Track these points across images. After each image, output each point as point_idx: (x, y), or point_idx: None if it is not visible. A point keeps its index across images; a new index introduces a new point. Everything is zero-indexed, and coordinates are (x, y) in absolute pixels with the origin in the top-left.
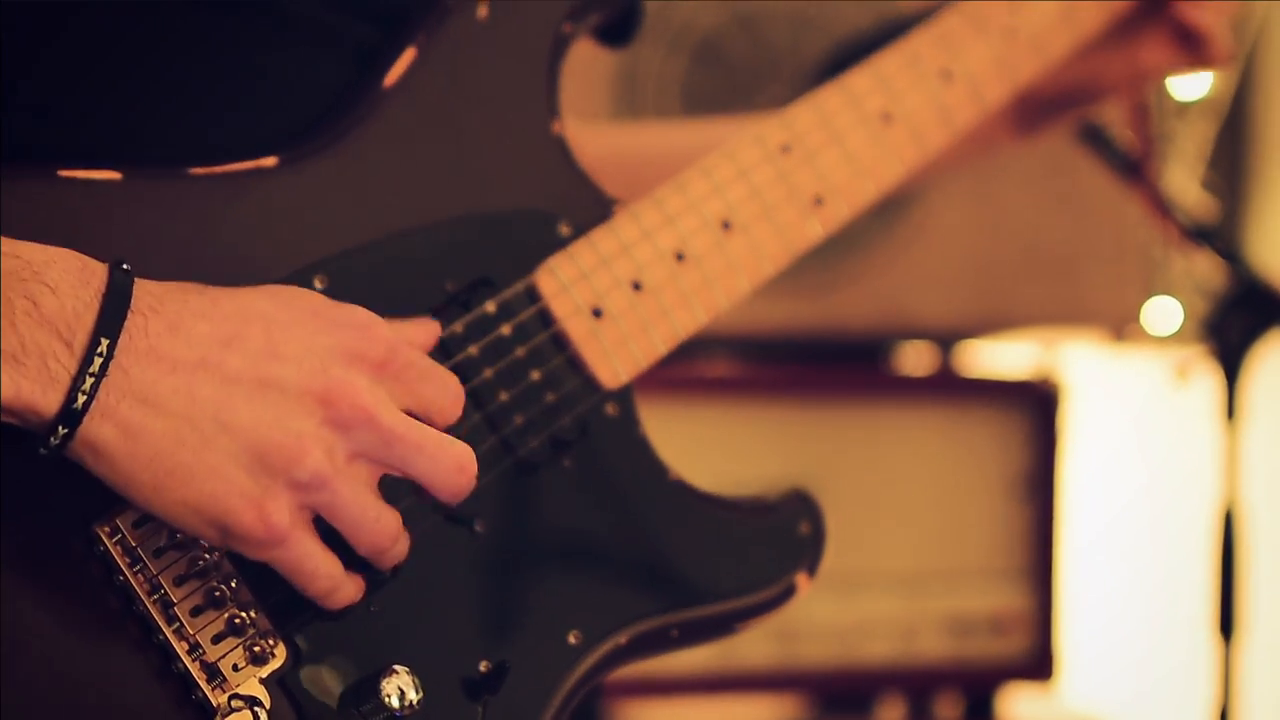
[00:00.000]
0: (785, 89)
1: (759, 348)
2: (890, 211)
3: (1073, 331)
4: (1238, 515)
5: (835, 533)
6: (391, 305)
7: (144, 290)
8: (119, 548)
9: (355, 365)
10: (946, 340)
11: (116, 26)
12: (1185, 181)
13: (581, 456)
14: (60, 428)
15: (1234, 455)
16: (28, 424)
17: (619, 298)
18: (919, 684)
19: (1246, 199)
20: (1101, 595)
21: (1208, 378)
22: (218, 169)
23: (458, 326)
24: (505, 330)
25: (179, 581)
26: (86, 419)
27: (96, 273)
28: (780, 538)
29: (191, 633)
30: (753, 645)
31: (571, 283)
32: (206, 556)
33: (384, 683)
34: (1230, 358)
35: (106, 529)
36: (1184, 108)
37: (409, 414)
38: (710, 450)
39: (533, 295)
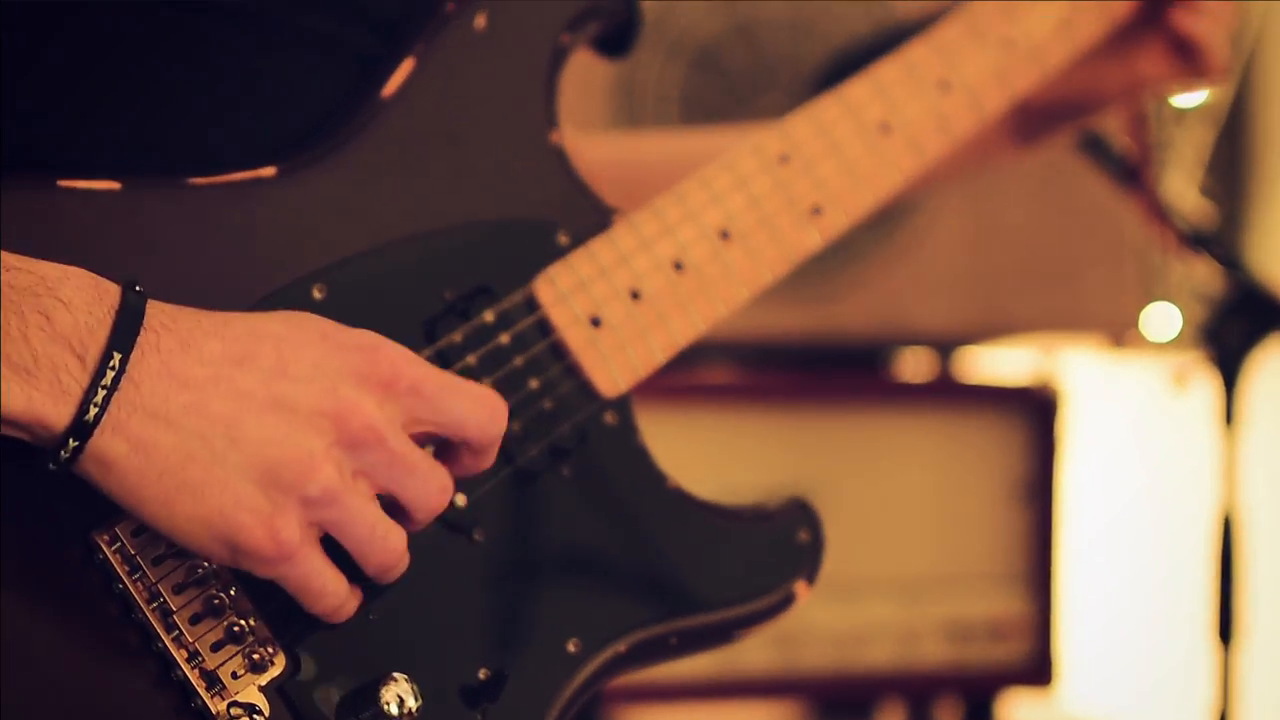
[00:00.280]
0: (783, 97)
1: (759, 354)
2: (889, 219)
3: (1071, 337)
4: (1236, 520)
5: (835, 539)
6: (390, 314)
7: (156, 309)
8: (118, 556)
9: (363, 386)
10: (945, 346)
11: (116, 35)
12: (1183, 187)
13: (580, 465)
14: (71, 440)
15: (1232, 460)
16: (38, 438)
17: (617, 307)
18: (919, 689)
19: (1245, 205)
20: (1100, 601)
21: (1206, 383)
22: (217, 179)
23: (456, 335)
24: (504, 339)
25: (178, 589)
26: (97, 433)
27: (110, 291)
28: (779, 546)
29: (191, 640)
30: (753, 651)
31: (570, 292)
32: (205, 565)
33: (383, 690)
34: (1229, 363)
35: (105, 537)
36: (1182, 114)
37: (442, 432)
38: (710, 457)
39: (531, 304)
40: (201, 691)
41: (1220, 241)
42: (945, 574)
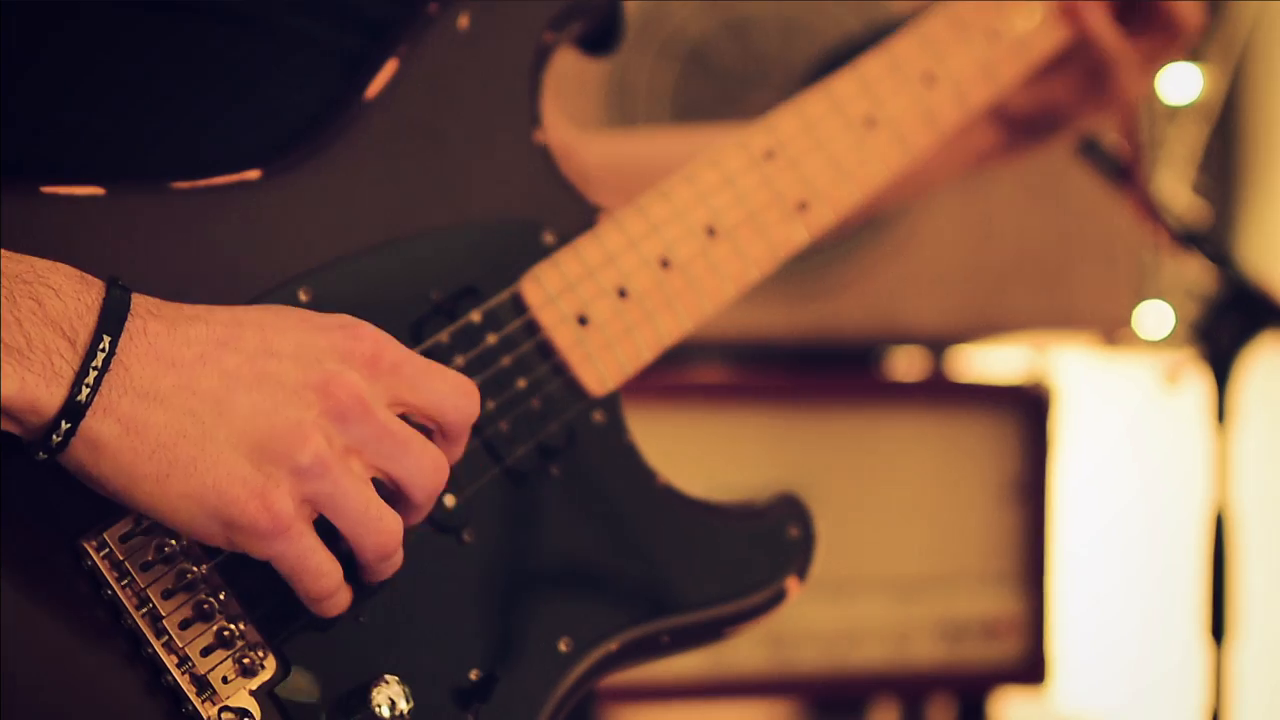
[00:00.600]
0: (775, 95)
1: (751, 353)
2: (881, 218)
3: (1064, 336)
4: (1229, 518)
5: (828, 537)
6: (377, 315)
7: (141, 298)
8: (106, 562)
9: (347, 361)
10: (938, 345)
11: (100, 38)
12: (1176, 186)
13: (569, 464)
14: (63, 423)
15: (1225, 459)
16: (28, 426)
17: (604, 305)
18: (912, 689)
19: (1237, 203)
20: (1094, 600)
21: (1199, 381)
22: (201, 183)
23: (444, 336)
24: (491, 339)
25: (167, 595)
26: (89, 413)
27: (95, 283)
28: (769, 542)
29: (180, 645)
30: (745, 650)
31: (557, 291)
32: (194, 570)
33: (374, 693)
34: (1221, 361)
35: (93, 543)
36: (1174, 112)
37: (419, 414)
38: (703, 456)
39: (518, 304)
40: (192, 696)
41: (1212, 240)
42: (938, 573)
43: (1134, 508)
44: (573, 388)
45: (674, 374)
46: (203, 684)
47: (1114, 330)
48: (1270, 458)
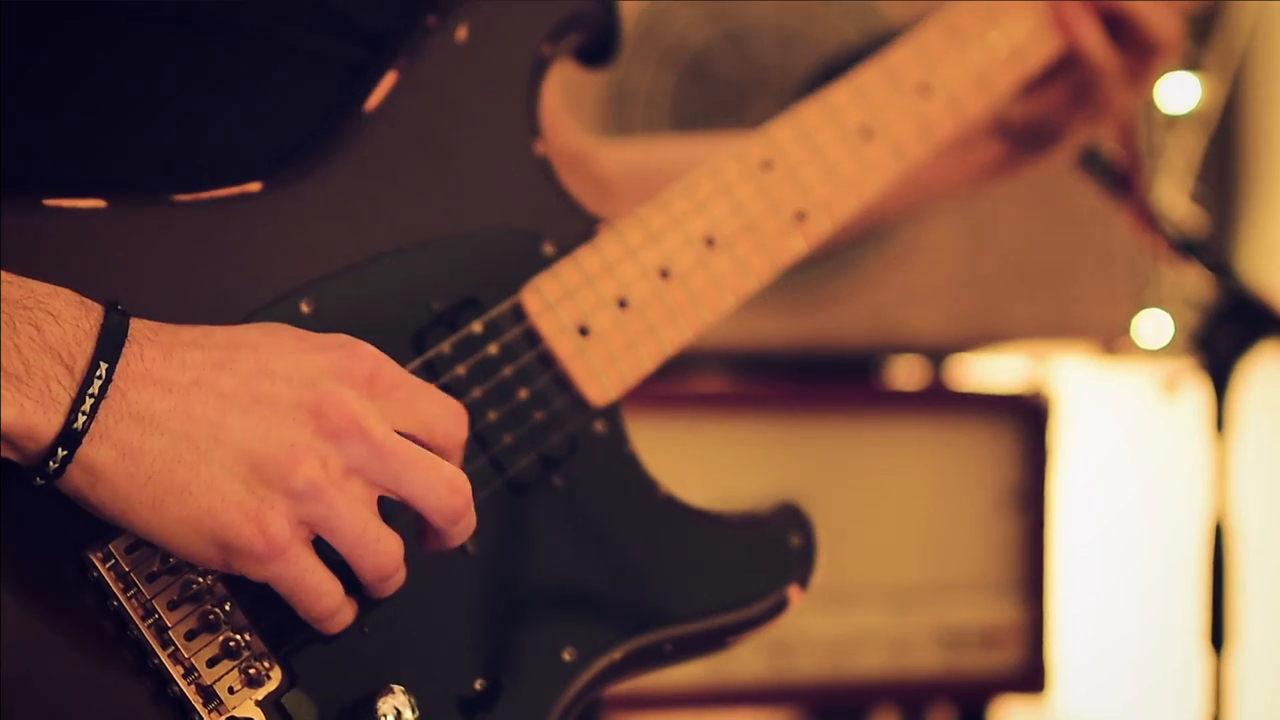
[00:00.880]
0: (774, 105)
1: (751, 363)
2: (881, 228)
3: (1063, 345)
4: (1228, 527)
5: (827, 546)
6: (378, 326)
7: (139, 323)
8: (112, 573)
9: (343, 380)
10: (937, 354)
11: (101, 50)
12: (1174, 195)
13: (571, 474)
14: (60, 450)
15: (1224, 467)
16: (25, 452)
17: (604, 316)
18: (911, 697)
19: (1235, 212)
20: (1093, 608)
21: (1197, 390)
22: (203, 195)
23: (445, 347)
24: (492, 350)
25: (173, 605)
26: (85, 440)
27: (94, 308)
28: (771, 551)
29: (187, 656)
30: (745, 659)
31: (557, 301)
32: (200, 580)
33: (380, 703)
34: (1220, 370)
35: (99, 554)
36: (1173, 121)
37: (410, 436)
38: (703, 465)
39: (519, 314)
40: (199, 707)
41: (1211, 248)
42: (938, 581)
43: (1133, 516)
44: (574, 398)
45: (673, 383)
46: (209, 694)
47: (1113, 339)
48: (1269, 466)
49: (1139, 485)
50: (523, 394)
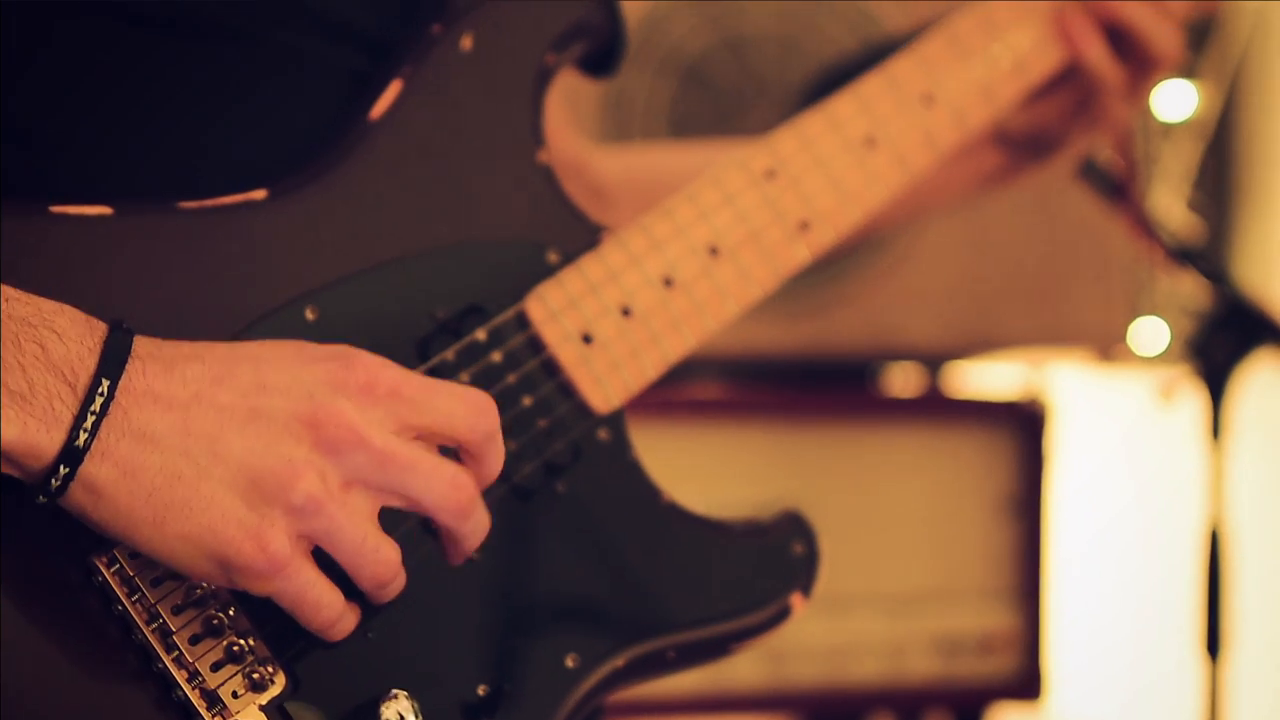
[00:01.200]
0: (772, 113)
1: (748, 369)
2: (881, 235)
3: (1059, 352)
4: (1223, 534)
5: (824, 553)
6: (383, 334)
7: (141, 340)
8: (117, 578)
9: (340, 391)
10: (934, 361)
11: (107, 58)
12: (1171, 202)
13: (575, 481)
14: (62, 468)
15: (1219, 474)
16: (28, 470)
17: (608, 324)
18: (908, 704)
19: (1232, 219)
20: (1089, 615)
21: (1193, 397)
22: (208, 203)
23: (449, 354)
24: (496, 357)
25: (177, 610)
26: (87, 458)
27: (99, 325)
28: (774, 559)
29: (191, 661)
30: (742, 666)
31: (561, 309)
32: (204, 585)
33: (383, 708)
34: (1216, 377)
35: (104, 559)
36: (1169, 129)
37: (433, 436)
38: (700, 472)
39: (523, 322)
40: (203, 711)
41: (1207, 256)
42: (934, 588)
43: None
44: (578, 406)
45: (671, 390)
46: (213, 699)
47: (1109, 346)
48: (1264, 473)
49: (1135, 492)
50: (526, 401)
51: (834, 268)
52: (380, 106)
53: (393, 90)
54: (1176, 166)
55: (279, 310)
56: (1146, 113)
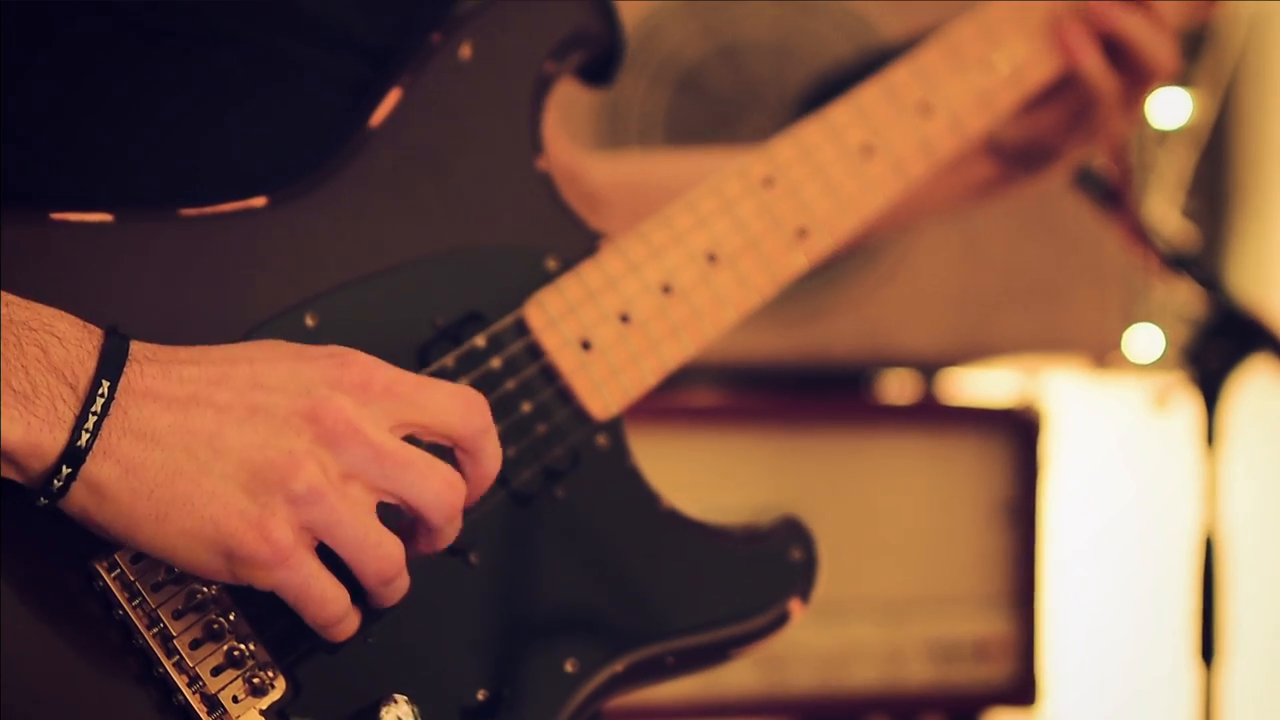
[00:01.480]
0: (768, 120)
1: (743, 377)
2: (873, 243)
3: (1054, 359)
4: (1218, 541)
5: (823, 559)
6: (382, 340)
7: (138, 344)
8: (118, 583)
9: (337, 388)
10: (929, 368)
11: (108, 65)
12: (1165, 210)
13: (574, 487)
14: (64, 468)
15: (1214, 481)
16: (30, 471)
17: (607, 330)
18: (903, 710)
19: (1226, 227)
20: (1084, 621)
21: (1188, 404)
22: (208, 210)
23: (448, 360)
24: (495, 363)
25: (178, 615)
26: (89, 457)
27: (95, 331)
28: (773, 564)
29: (191, 665)
30: (737, 671)
31: (559, 316)
32: (204, 590)
33: (383, 712)
34: (1210, 384)
35: (105, 564)
36: (1164, 136)
37: (429, 434)
38: (696, 479)
39: (521, 328)
40: (203, 716)
41: (1202, 263)
42: (930, 594)
43: (1124, 529)
44: (577, 412)
45: (665, 397)
46: (213, 703)
47: (1104, 353)
48: (1259, 480)
49: (1130, 499)
50: (525, 407)
51: (830, 275)
52: (380, 114)
53: (392, 98)
54: (1171, 174)
55: (279, 317)
56: (1142, 120)
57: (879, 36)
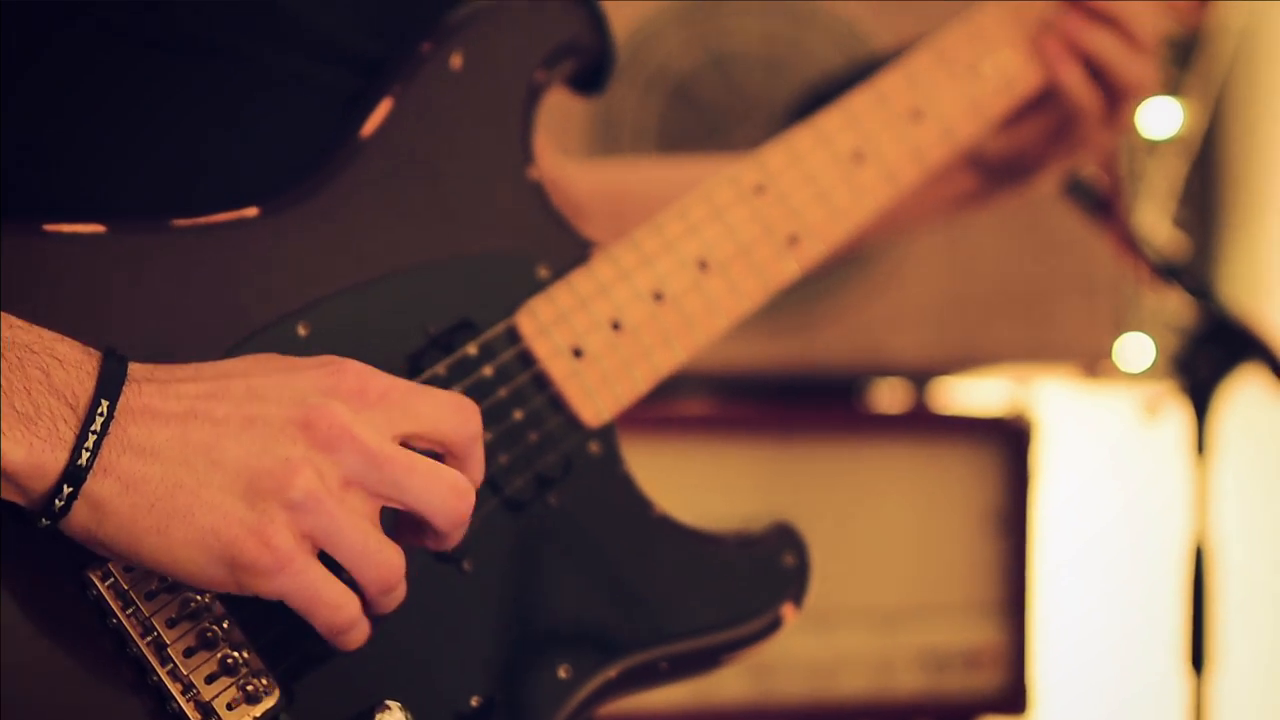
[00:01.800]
0: (759, 129)
1: (735, 386)
2: (864, 252)
3: (1045, 368)
4: (1208, 549)
5: (814, 564)
6: (374, 348)
7: (135, 365)
8: (111, 591)
9: (332, 395)
10: (920, 377)
11: (101, 74)
12: (1156, 219)
13: (567, 494)
14: (65, 487)
15: (1204, 490)
16: (31, 492)
17: (598, 338)
18: (895, 718)
19: (1216, 237)
20: (1075, 630)
21: (1178, 413)
22: (200, 220)
23: (440, 369)
24: (487, 371)
25: (171, 623)
26: (90, 476)
27: (93, 353)
28: (765, 570)
29: (185, 673)
30: (728, 680)
31: (551, 324)
32: (198, 599)
33: (378, 718)
34: (1200, 393)
35: (99, 573)
36: (1154, 146)
37: (422, 440)
38: (686, 488)
39: (513, 336)
40: None
41: (1192, 273)
42: (920, 603)
43: (1114, 538)
44: (569, 419)
45: (657, 406)
46: (207, 711)
47: (1095, 363)
48: (1249, 489)
49: (1120, 507)
50: (518, 415)
51: (820, 284)
52: (371, 124)
53: (383, 108)
54: (1162, 183)
55: (271, 326)
56: (1132, 129)
57: (870, 47)
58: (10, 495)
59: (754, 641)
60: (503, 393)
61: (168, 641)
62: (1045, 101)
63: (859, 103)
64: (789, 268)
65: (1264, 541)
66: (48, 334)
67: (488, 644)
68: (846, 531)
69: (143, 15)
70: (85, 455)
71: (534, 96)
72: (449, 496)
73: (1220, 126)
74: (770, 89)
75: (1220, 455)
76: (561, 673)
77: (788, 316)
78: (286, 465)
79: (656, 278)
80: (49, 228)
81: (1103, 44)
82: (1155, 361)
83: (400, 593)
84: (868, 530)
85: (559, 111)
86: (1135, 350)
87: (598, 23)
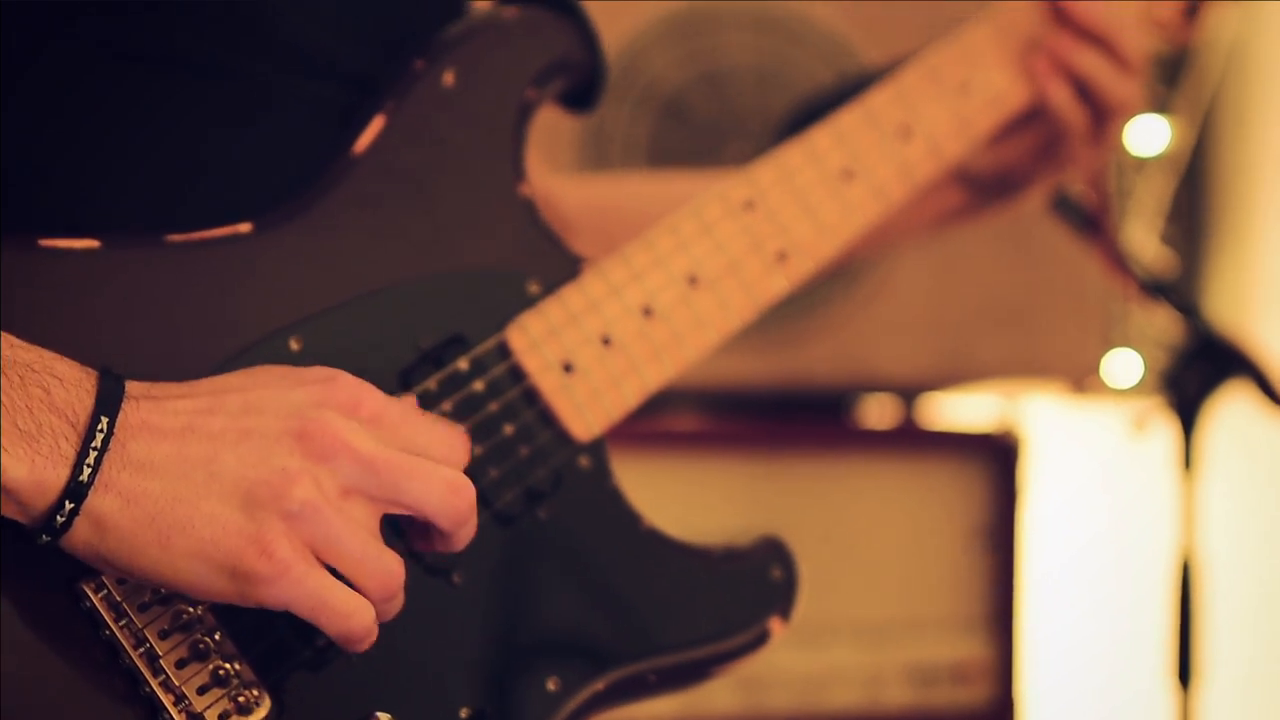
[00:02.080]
0: (750, 145)
1: (724, 401)
2: (852, 268)
3: (1033, 384)
4: (1195, 564)
5: (803, 578)
6: (366, 363)
7: (132, 383)
8: (104, 603)
9: (326, 407)
10: (908, 393)
11: (94, 90)
12: (1144, 236)
13: (556, 508)
14: (67, 503)
15: (1191, 505)
16: (32, 509)
17: (588, 353)
18: None
19: (1204, 253)
20: (1062, 644)
21: (1166, 429)
22: (194, 236)
23: (431, 384)
24: (478, 386)
25: (164, 635)
26: (91, 492)
27: (91, 372)
28: (753, 584)
29: (177, 684)
30: (718, 694)
31: (541, 339)
32: (190, 610)
33: None
34: (1188, 409)
35: (91, 585)
36: (1142, 163)
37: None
38: (675, 503)
39: (504, 351)
40: None
41: (1180, 289)
42: (909, 618)
43: (1102, 553)
44: (559, 434)
45: (647, 421)
46: None
47: (1082, 379)
48: (1236, 504)
49: (1108, 522)
50: (508, 429)
51: (810, 300)
52: (364, 141)
53: (376, 125)
54: (1149, 200)
55: (264, 341)
56: (1120, 146)
57: (860, 63)
58: (11, 512)
59: (741, 655)
60: (493, 407)
61: (160, 653)
62: (1033, 119)
63: (848, 120)
64: (778, 284)
65: (1250, 556)
66: (47, 353)
67: (477, 656)
68: (835, 546)
69: (136, 30)
70: (86, 471)
71: (525, 114)
72: (447, 494)
73: (1207, 144)
74: (761, 105)
75: (1207, 471)
76: (550, 685)
77: (777, 332)
78: (283, 475)
79: (646, 293)
80: (44, 243)
81: (1091, 63)
82: (1143, 377)
83: (400, 600)
84: (856, 545)
85: (549, 127)
86: (1123, 366)
87: (589, 40)
